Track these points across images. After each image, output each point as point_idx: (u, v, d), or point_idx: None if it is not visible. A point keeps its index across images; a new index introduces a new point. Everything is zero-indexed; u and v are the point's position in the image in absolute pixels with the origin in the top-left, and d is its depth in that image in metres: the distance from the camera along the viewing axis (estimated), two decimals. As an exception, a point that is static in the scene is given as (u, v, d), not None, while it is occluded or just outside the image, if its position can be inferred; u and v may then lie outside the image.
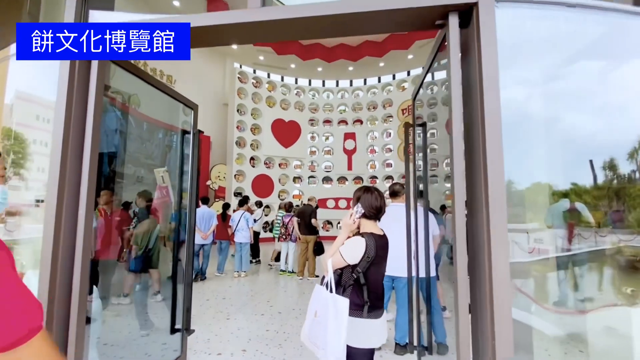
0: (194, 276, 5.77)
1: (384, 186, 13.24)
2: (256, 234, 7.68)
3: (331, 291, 1.62)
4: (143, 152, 3.56)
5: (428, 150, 2.70)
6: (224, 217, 7.01)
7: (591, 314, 1.65)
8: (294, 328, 3.81)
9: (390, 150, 13.32)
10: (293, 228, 6.54)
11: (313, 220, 6.25)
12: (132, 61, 1.74)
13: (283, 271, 6.68)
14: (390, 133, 13.42)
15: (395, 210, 2.94)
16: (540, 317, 1.53)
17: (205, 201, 6.48)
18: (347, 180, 13.88)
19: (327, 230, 12.75)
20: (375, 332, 1.70)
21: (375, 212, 1.75)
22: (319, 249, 6.28)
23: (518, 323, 1.32)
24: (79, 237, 1.53)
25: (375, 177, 13.53)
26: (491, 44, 1.36)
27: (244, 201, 6.81)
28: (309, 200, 7.06)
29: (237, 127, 12.08)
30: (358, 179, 13.80)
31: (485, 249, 1.31)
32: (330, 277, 1.65)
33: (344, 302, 1.56)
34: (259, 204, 8.99)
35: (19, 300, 0.61)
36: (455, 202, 1.41)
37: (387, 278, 3.01)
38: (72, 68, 1.55)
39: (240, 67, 12.60)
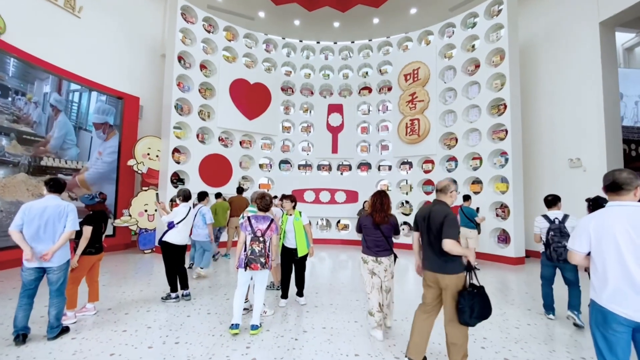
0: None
1: (377, 176, 10.17)
2: (180, 247, 4.22)
3: None
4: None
5: None
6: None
7: None
8: None
9: (388, 129, 10.27)
10: (270, 243, 3.24)
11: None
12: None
13: (235, 328, 3.26)
14: (387, 106, 10.38)
15: (622, 214, 1.73)
16: None
17: (58, 187, 3.06)
18: (331, 167, 10.62)
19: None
20: None
21: None
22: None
23: None
24: None
25: (368, 164, 10.41)
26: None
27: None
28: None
29: (179, 85, 8.30)
30: (345, 166, 10.61)
31: None
32: None
33: None
34: (201, 196, 5.56)
35: None
36: None
37: (626, 323, 1.70)
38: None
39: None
